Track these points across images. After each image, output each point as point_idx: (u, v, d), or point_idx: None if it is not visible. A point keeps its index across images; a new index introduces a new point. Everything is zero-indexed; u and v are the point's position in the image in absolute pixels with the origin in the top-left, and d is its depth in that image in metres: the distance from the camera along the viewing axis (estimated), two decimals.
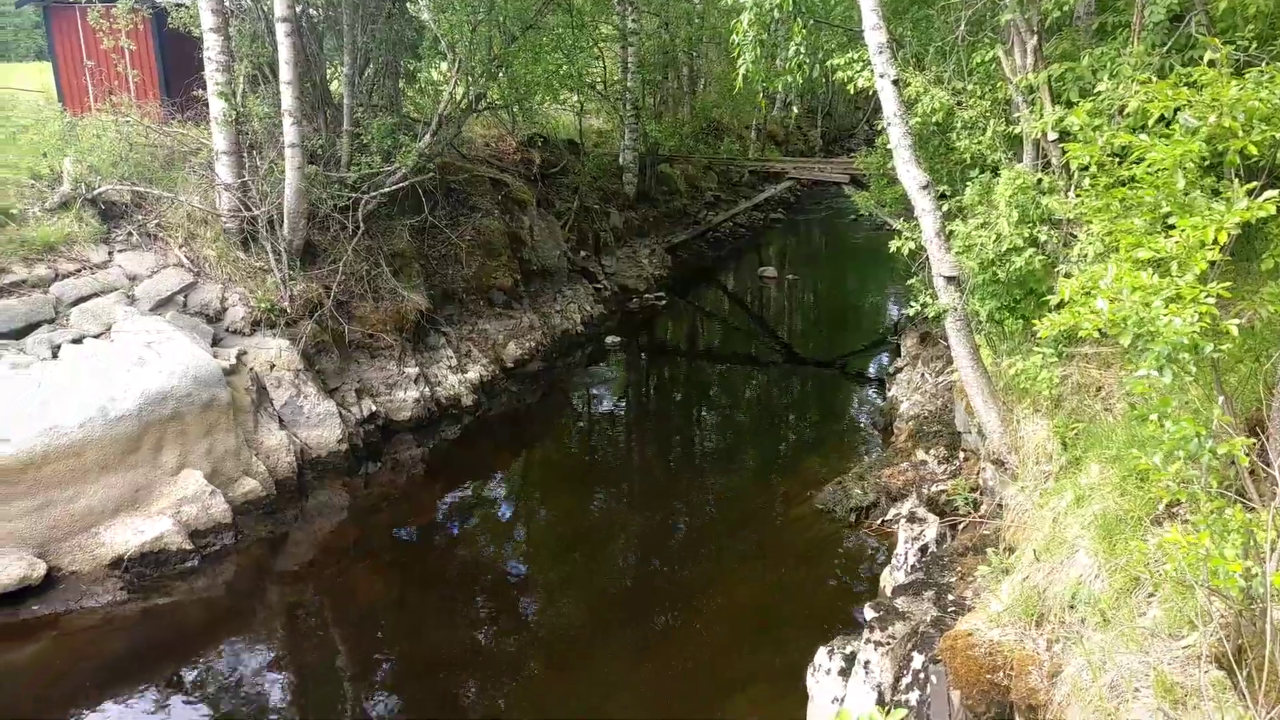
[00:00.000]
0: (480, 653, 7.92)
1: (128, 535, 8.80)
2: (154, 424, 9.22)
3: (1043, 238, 7.25)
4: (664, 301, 19.02)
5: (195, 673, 7.62)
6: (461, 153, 16.48)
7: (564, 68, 17.24)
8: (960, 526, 8.25)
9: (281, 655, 7.96)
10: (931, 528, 8.33)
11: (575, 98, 20.88)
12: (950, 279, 7.39)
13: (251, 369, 10.72)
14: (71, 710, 7.09)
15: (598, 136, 23.29)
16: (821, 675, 6.58)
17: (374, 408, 11.98)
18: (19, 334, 9.95)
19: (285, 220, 11.92)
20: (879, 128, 9.70)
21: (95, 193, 11.66)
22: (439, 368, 13.32)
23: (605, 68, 22.26)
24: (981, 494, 8.46)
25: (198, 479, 9.41)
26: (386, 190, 12.99)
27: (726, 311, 20.59)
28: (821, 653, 6.68)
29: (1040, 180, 7.38)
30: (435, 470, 11.58)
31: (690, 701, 7.21)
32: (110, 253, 11.37)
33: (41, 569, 8.23)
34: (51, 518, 8.54)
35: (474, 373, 13.61)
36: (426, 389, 12.70)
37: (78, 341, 9.95)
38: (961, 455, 9.56)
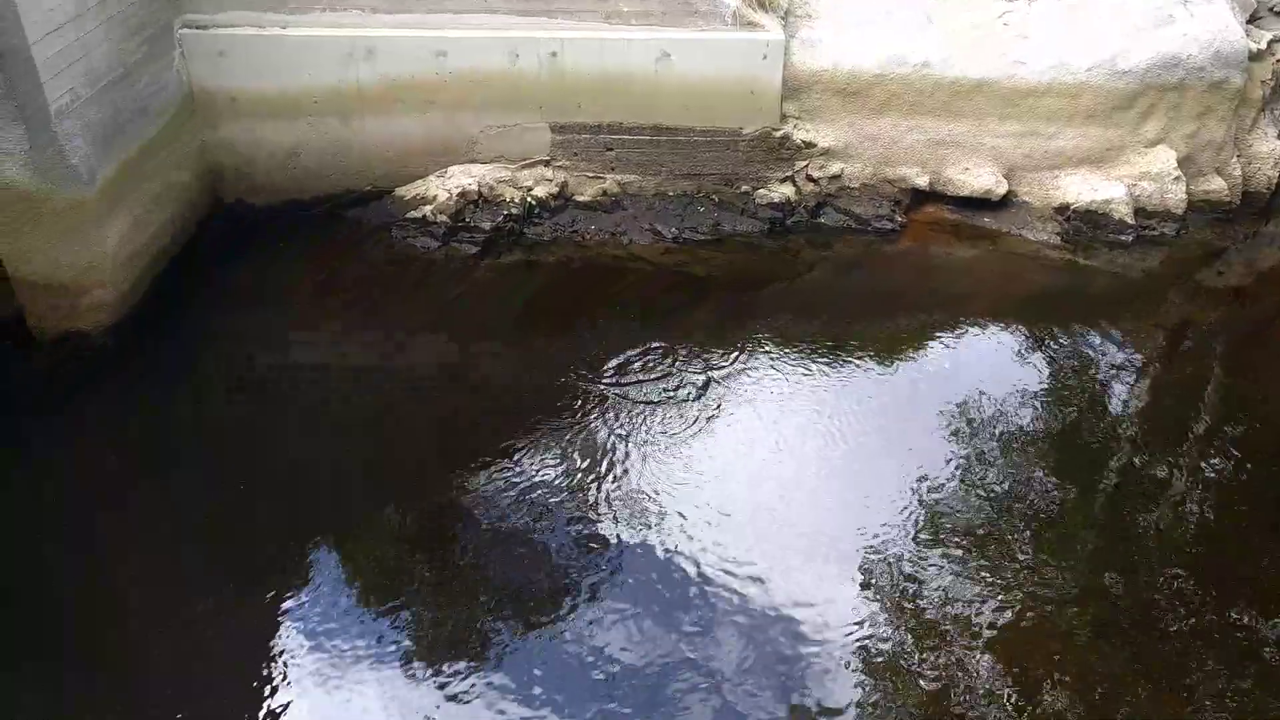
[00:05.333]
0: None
1: (1081, 188, 9.06)
2: (1152, 89, 8.88)
3: None
4: None
5: (1052, 345, 7.62)
6: None
7: None
8: None
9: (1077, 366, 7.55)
10: None
11: None
12: None
13: (1278, 59, 9.35)
14: (994, 315, 8.02)
15: None
16: None
17: None
18: None
19: None
20: None
21: None
22: None
23: None
24: None
25: (1168, 159, 9.00)
26: None
27: None
28: None
29: None
30: None
31: None
32: None
33: (1003, 188, 9.07)
34: (1027, 147, 9.17)
35: None
36: None
37: None
38: None
